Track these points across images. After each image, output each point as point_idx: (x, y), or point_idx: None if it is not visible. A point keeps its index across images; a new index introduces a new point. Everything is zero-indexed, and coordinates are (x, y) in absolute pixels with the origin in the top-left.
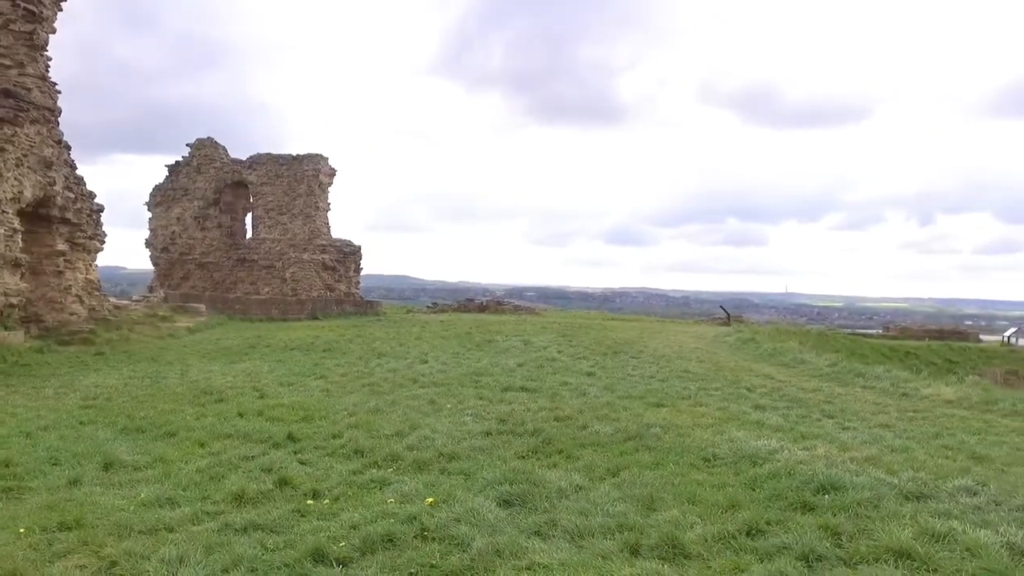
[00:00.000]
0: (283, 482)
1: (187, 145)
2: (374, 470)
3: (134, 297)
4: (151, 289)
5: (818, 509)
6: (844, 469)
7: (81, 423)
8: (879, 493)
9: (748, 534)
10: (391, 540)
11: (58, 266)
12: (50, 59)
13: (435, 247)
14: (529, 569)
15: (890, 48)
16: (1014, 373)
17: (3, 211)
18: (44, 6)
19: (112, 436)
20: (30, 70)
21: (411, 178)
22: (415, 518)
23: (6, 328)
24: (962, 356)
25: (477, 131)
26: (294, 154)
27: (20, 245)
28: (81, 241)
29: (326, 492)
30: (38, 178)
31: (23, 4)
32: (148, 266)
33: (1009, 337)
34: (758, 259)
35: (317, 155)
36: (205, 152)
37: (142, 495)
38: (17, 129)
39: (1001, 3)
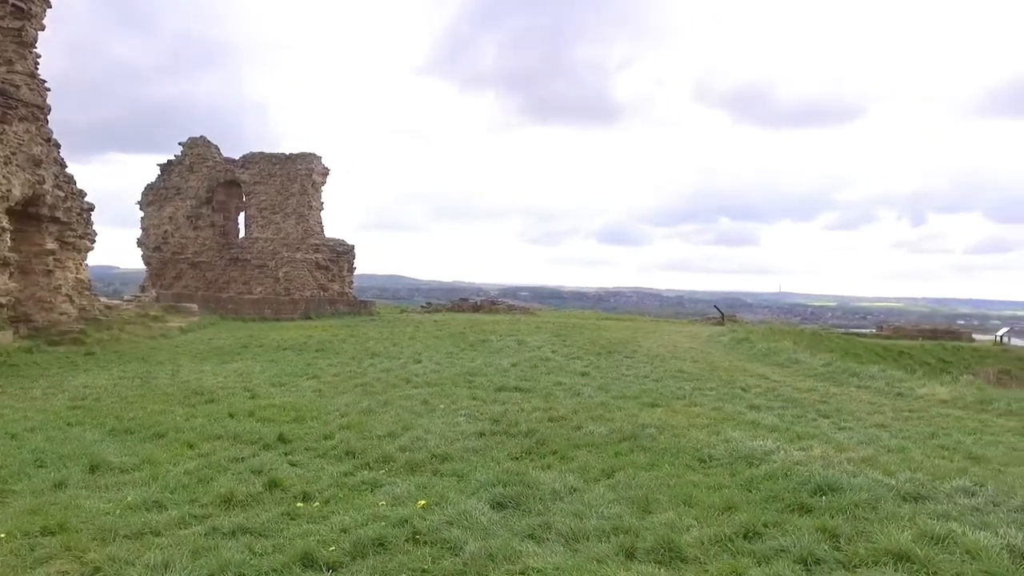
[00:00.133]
0: (273, 484)
1: (179, 144)
2: (366, 472)
3: (125, 297)
4: (143, 289)
5: (816, 511)
6: (841, 470)
7: (68, 424)
8: (877, 494)
9: (745, 537)
10: (382, 544)
11: (48, 265)
12: (39, 56)
13: (429, 247)
14: (523, 574)
15: (883, 48)
16: (1007, 372)
17: None
18: (33, 3)
19: (100, 437)
20: (19, 67)
21: (406, 177)
22: (407, 521)
23: None
24: (955, 356)
25: (472, 131)
26: (287, 153)
27: (9, 244)
28: (71, 240)
29: (317, 494)
30: (27, 176)
31: (11, 1)
32: (141, 265)
33: (1002, 336)
34: (752, 259)
35: (310, 154)
36: (197, 151)
37: (128, 498)
38: (5, 127)
39: (994, 3)
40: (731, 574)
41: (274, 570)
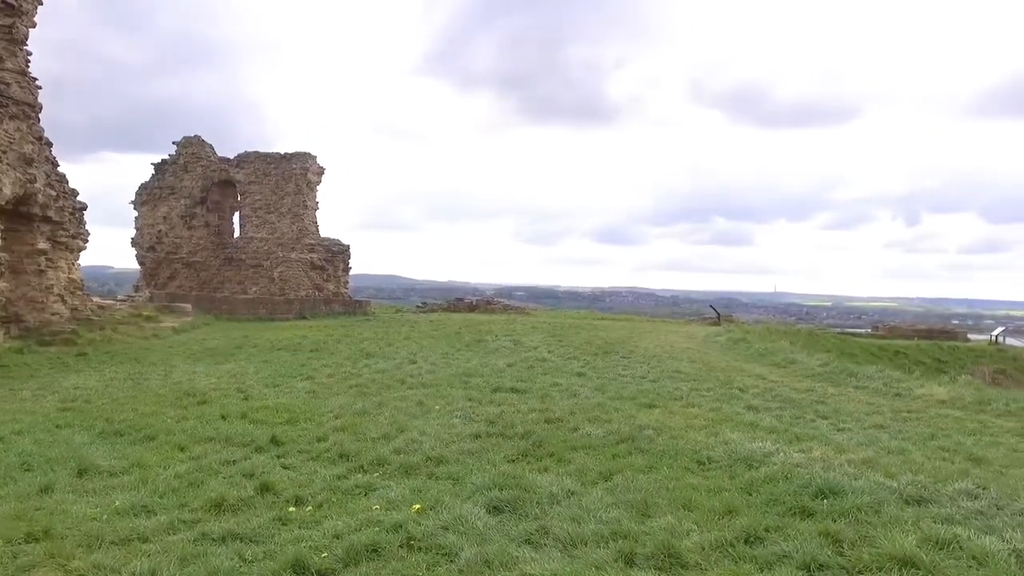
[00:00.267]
0: (265, 488)
1: (173, 143)
2: (359, 475)
3: (119, 297)
4: (137, 288)
5: (817, 515)
6: (842, 472)
7: (57, 426)
8: (879, 498)
9: (747, 541)
10: (376, 550)
11: (39, 265)
12: (30, 54)
13: (425, 247)
14: None
15: (879, 49)
16: (1003, 372)
17: None
18: (24, 0)
19: (89, 440)
20: (9, 65)
21: (401, 177)
22: (401, 526)
23: None
24: (951, 355)
25: (467, 130)
26: (282, 152)
27: (0, 243)
28: (63, 240)
29: (309, 498)
30: (18, 175)
31: None
32: (135, 265)
33: (997, 336)
34: (747, 259)
35: (305, 153)
36: (192, 150)
37: (116, 503)
38: None
39: (989, 4)
40: None
41: None
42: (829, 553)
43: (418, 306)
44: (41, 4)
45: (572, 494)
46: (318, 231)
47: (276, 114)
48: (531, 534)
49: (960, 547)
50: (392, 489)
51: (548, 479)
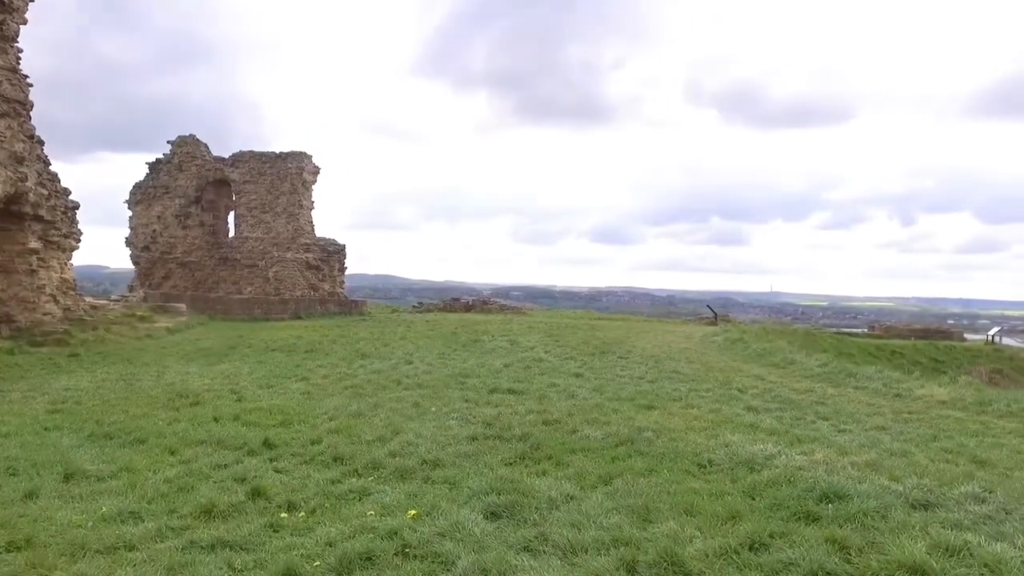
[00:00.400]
0: (256, 493)
1: (168, 142)
2: (354, 479)
3: (112, 297)
4: (131, 288)
5: (822, 519)
6: (846, 476)
7: (46, 429)
8: (885, 502)
9: (751, 548)
10: (370, 559)
11: (31, 264)
12: (21, 51)
13: (421, 246)
14: None
15: (874, 49)
16: (999, 371)
17: None
18: None
19: (77, 443)
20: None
21: (397, 177)
22: (396, 533)
23: None
24: (948, 355)
25: (465, 130)
26: (277, 152)
27: None
28: (55, 239)
29: (302, 504)
30: (8, 174)
31: None
32: (131, 265)
33: (993, 336)
34: (743, 258)
35: (301, 153)
36: (187, 150)
37: (103, 509)
38: None
39: (983, 6)
40: None
41: None
42: (836, 560)
43: (414, 306)
44: (32, 0)
45: (571, 499)
46: (314, 231)
47: (273, 114)
48: (530, 541)
49: (971, 554)
50: (387, 494)
51: (547, 483)
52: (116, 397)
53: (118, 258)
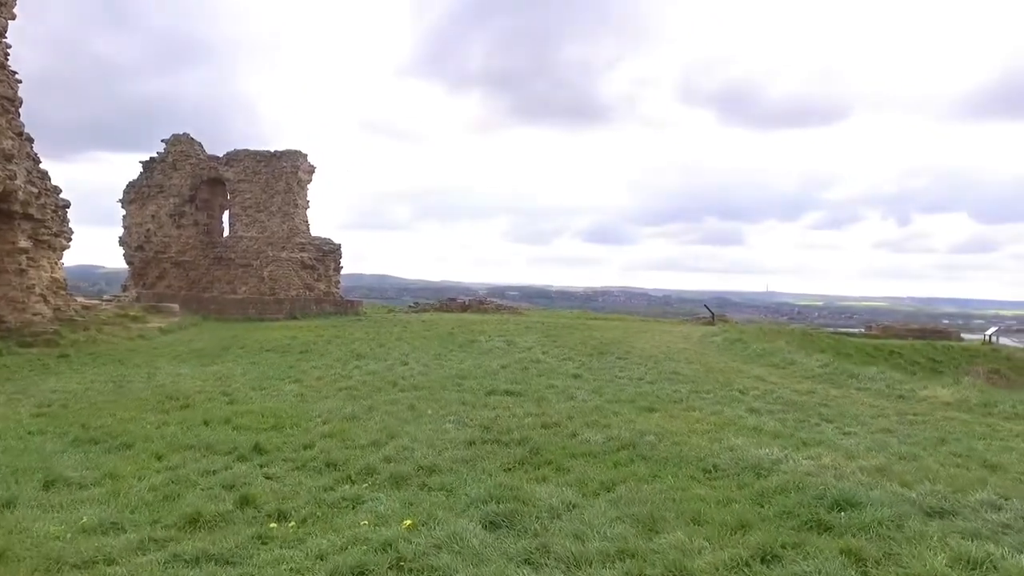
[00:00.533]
0: (245, 501)
1: (162, 141)
2: (347, 486)
3: (105, 297)
4: (125, 288)
5: (835, 529)
6: (856, 482)
7: (30, 433)
8: (899, 510)
9: (763, 560)
10: (363, 573)
11: (20, 264)
12: (9, 47)
13: (417, 246)
14: None
15: (868, 49)
16: (997, 371)
17: None
18: None
19: (61, 448)
20: None
21: (393, 177)
22: (391, 545)
23: None
24: (945, 355)
25: (460, 130)
26: (272, 151)
27: None
28: (46, 238)
29: (292, 513)
30: None
31: None
32: (125, 265)
33: (991, 336)
34: (738, 258)
35: (296, 151)
36: (181, 148)
37: (84, 519)
38: None
39: (978, 6)
40: None
41: None
42: (852, 573)
43: (410, 306)
44: None
45: (573, 507)
46: (309, 230)
47: (269, 113)
48: (531, 553)
49: (995, 567)
50: (381, 502)
51: (547, 490)
52: (104, 400)
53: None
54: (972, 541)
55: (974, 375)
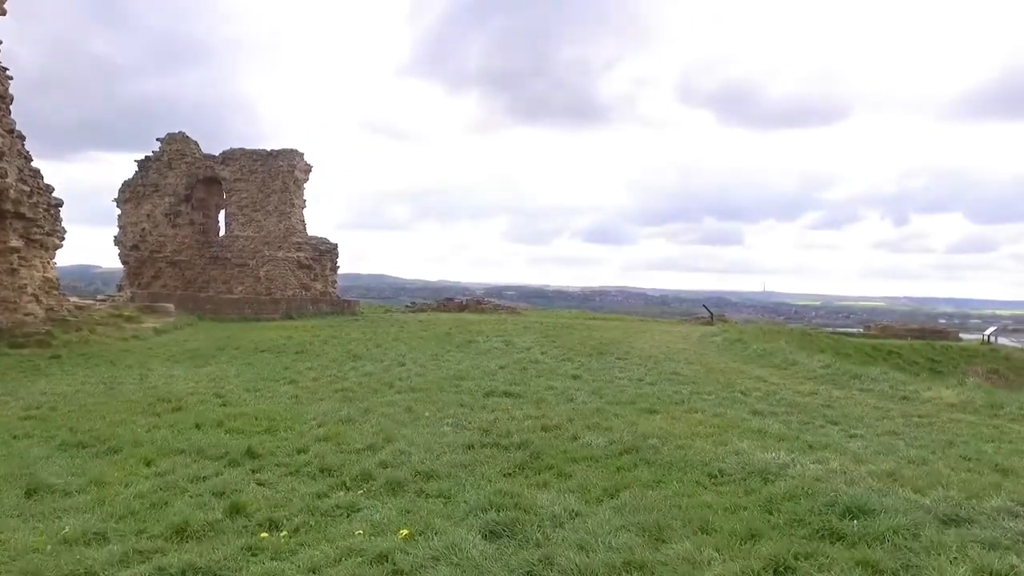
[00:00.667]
0: (235, 509)
1: (157, 140)
2: (341, 493)
3: (99, 296)
4: (120, 288)
5: (848, 538)
6: (867, 487)
7: (15, 437)
8: (914, 518)
9: (775, 572)
10: None
11: (12, 263)
12: (0, 42)
13: (415, 246)
14: None
15: (867, 50)
16: (996, 372)
17: None
18: None
19: (47, 453)
20: None
21: (391, 176)
22: (386, 557)
23: None
24: (944, 355)
25: (457, 130)
26: (269, 149)
27: None
28: (38, 237)
29: (284, 522)
30: None
31: None
32: (121, 265)
33: (989, 336)
34: (736, 258)
35: (292, 150)
36: (176, 147)
37: (66, 529)
38: None
39: (975, 7)
40: None
41: None
42: None
43: (407, 306)
44: None
45: (576, 515)
46: (305, 229)
47: (267, 113)
48: (533, 565)
49: None
50: (377, 510)
51: (549, 497)
52: (94, 402)
53: (110, 258)
54: (992, 551)
55: (973, 375)
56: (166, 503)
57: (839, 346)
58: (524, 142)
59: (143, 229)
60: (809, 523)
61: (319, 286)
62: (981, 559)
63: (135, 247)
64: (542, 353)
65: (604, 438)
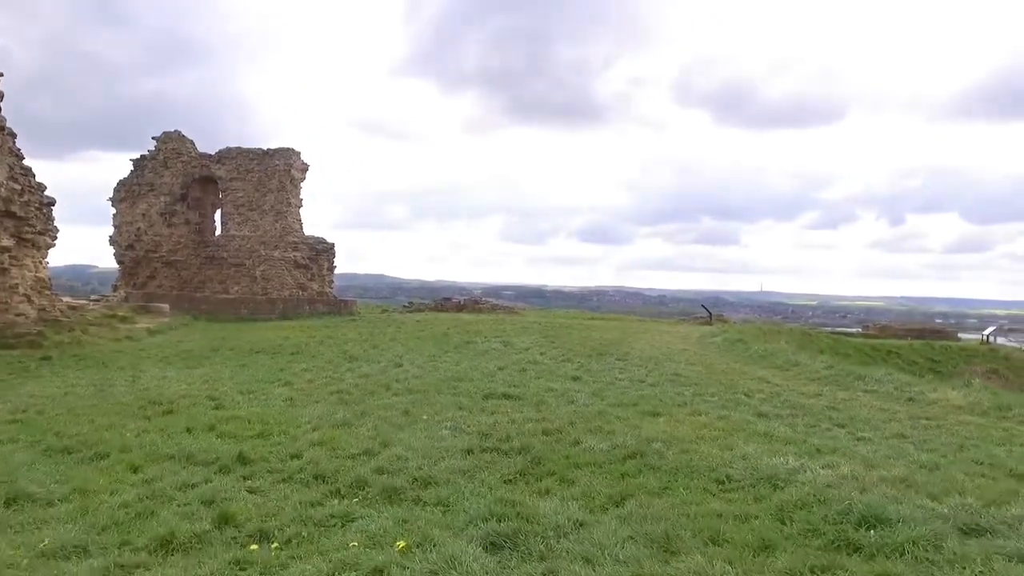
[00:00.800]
0: (224, 519)
1: (153, 138)
2: (336, 501)
3: (92, 297)
4: (115, 288)
5: (866, 549)
6: (881, 495)
7: None
8: (933, 528)
9: None
10: None
11: (3, 263)
12: None
13: (412, 245)
14: None
15: (863, 50)
16: (995, 372)
17: None
18: None
19: (31, 459)
20: None
21: (388, 176)
22: (382, 572)
23: None
24: (944, 355)
25: (455, 130)
26: (265, 148)
27: None
28: (29, 236)
29: (275, 533)
30: None
31: None
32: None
33: (988, 336)
34: (733, 258)
35: (289, 149)
36: (172, 146)
37: (45, 541)
38: None
39: (969, 7)
40: None
41: None
42: None
43: (405, 306)
44: None
45: (581, 525)
46: (302, 229)
47: (265, 112)
48: None
49: None
50: (373, 519)
51: (552, 505)
52: (83, 405)
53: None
54: (1019, 565)
55: (972, 375)
56: (152, 513)
57: (839, 346)
58: (521, 142)
59: (138, 229)
60: (824, 533)
61: (316, 286)
62: (1008, 573)
63: (130, 247)
64: (541, 354)
65: (607, 442)
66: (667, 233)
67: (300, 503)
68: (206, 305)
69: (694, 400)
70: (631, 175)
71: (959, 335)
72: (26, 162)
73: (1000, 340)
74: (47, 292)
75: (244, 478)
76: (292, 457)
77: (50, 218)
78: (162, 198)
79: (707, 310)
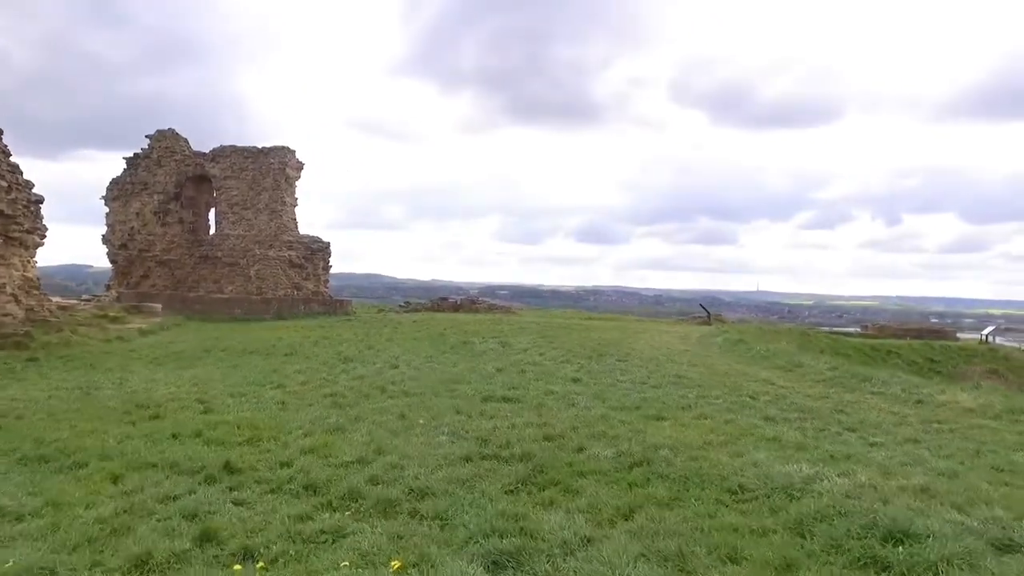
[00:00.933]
0: (206, 536)
1: (146, 137)
2: (327, 514)
3: (84, 296)
4: (108, 288)
5: (895, 568)
6: (904, 506)
7: None
8: (965, 544)
9: None
10: None
11: None
12: None
13: (408, 245)
14: None
15: (859, 50)
16: (994, 371)
17: None
18: None
19: (5, 469)
20: None
21: (385, 175)
22: None
23: None
24: (943, 355)
25: (452, 129)
26: (259, 147)
27: None
28: (17, 235)
29: (261, 551)
30: None
31: None
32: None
33: (987, 336)
34: (730, 257)
35: (284, 148)
36: (165, 144)
37: (9, 562)
38: None
39: (967, 7)
40: None
41: None
42: None
43: (401, 305)
44: None
45: (588, 541)
46: (297, 228)
47: (262, 112)
48: None
49: None
50: (366, 535)
51: (557, 519)
52: (66, 409)
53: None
54: None
55: (972, 375)
56: (129, 529)
57: (838, 346)
58: (519, 142)
59: (132, 228)
60: (848, 549)
61: (311, 286)
62: None
63: (123, 246)
64: (540, 355)
65: (612, 449)
66: (664, 233)
67: (288, 517)
68: (200, 305)
69: (698, 403)
70: (628, 175)
71: (957, 335)
72: (22, 161)
73: (998, 340)
74: (36, 292)
75: (230, 488)
76: (282, 465)
77: (39, 216)
78: (156, 197)
79: (706, 310)
